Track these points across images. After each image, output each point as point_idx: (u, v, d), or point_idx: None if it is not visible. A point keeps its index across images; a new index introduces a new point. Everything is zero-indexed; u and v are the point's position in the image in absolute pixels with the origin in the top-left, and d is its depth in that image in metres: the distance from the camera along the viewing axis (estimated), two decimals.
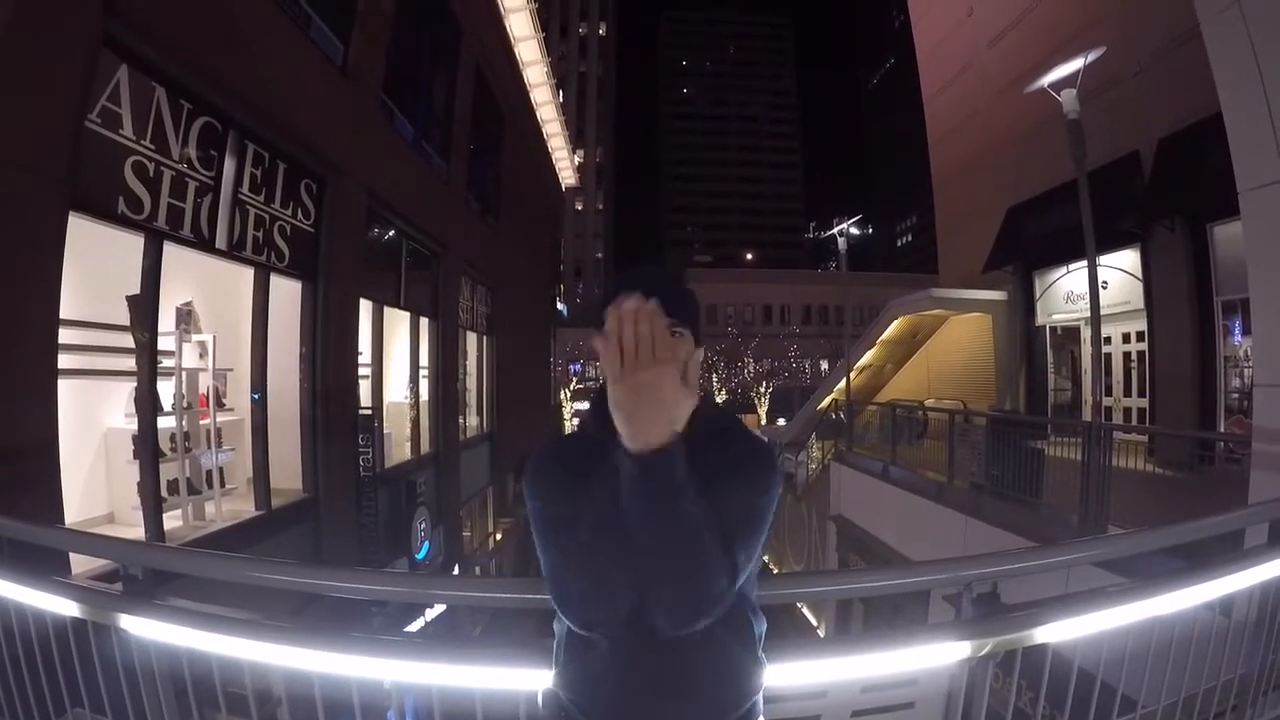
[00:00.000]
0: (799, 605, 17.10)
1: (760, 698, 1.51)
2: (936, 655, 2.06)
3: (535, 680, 1.85)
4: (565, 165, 32.78)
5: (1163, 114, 13.33)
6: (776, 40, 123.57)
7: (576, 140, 48.29)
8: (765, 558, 1.48)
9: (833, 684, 2.03)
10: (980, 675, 2.12)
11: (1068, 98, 9.79)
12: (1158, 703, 2.50)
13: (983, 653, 2.05)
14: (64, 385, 5.39)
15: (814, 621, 17.69)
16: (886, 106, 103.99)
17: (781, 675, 1.85)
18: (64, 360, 5.46)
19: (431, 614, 8.93)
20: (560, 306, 53.23)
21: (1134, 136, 14.10)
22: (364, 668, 2.06)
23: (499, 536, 19.15)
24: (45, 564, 2.96)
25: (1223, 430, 12.29)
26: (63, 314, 5.22)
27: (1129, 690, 2.45)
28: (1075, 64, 9.78)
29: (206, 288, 7.96)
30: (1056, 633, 2.15)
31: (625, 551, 1.27)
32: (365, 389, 10.92)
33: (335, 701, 2.14)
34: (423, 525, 11.56)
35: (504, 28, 19.32)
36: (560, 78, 36.81)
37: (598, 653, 1.41)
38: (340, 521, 9.33)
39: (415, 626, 8.52)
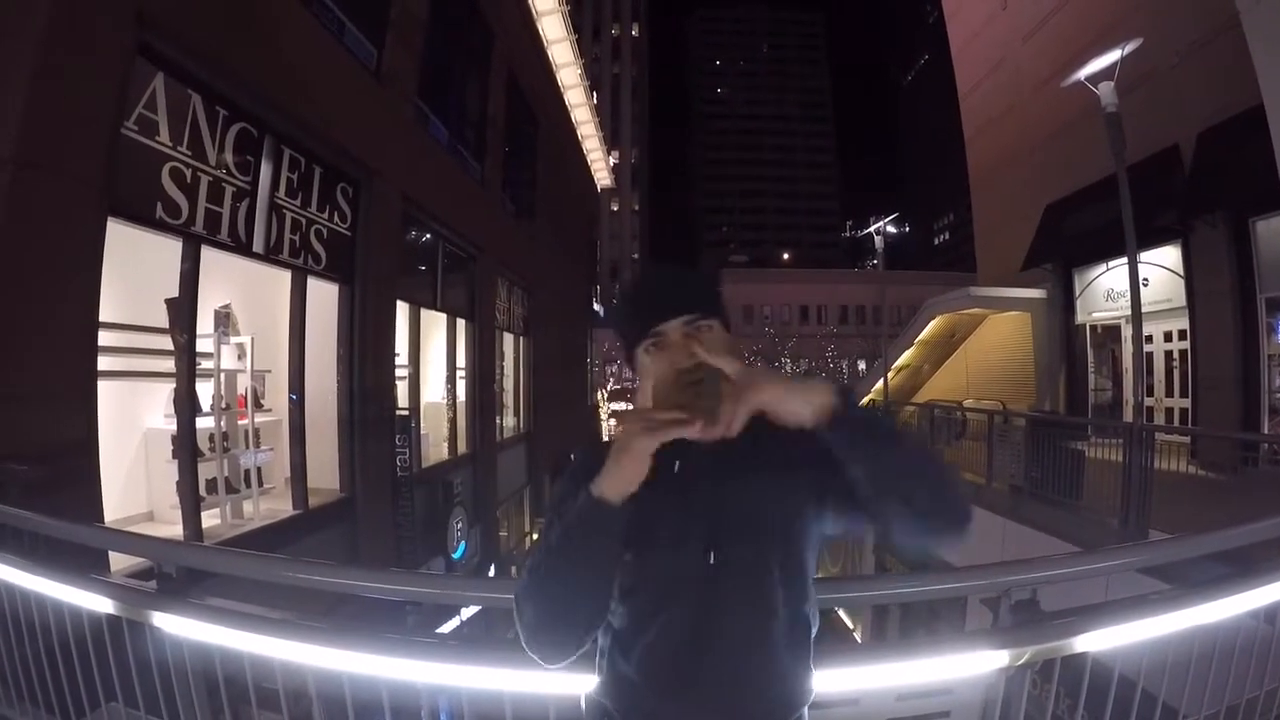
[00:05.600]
0: (835, 609, 16.92)
1: (807, 711, 1.48)
2: (973, 664, 2.01)
3: (567, 684, 1.84)
4: (600, 166, 32.84)
5: (1202, 106, 13.07)
6: (809, 37, 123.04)
7: (611, 141, 48.47)
8: None
9: (866, 692, 2.00)
10: (1018, 685, 2.07)
11: (1105, 91, 9.63)
12: (1199, 712, 2.44)
13: (1020, 662, 2.01)
14: (104, 386, 5.47)
15: (850, 625, 17.51)
16: (922, 103, 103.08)
17: (816, 681, 1.82)
18: (104, 362, 5.55)
19: (467, 614, 8.95)
20: (597, 307, 53.33)
21: (1173, 130, 13.82)
22: (396, 669, 2.06)
23: (535, 537, 19.19)
24: (85, 561, 3.01)
25: (1267, 431, 12.04)
26: (102, 317, 5.32)
27: (1170, 699, 2.39)
28: (1112, 56, 9.60)
29: (244, 290, 8.06)
30: (1097, 641, 2.10)
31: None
32: (402, 390, 11.00)
33: (367, 702, 2.14)
34: (459, 525, 11.62)
35: (537, 31, 19.40)
36: (593, 79, 36.88)
37: (643, 663, 1.40)
38: (377, 521, 9.40)
39: (450, 627, 8.54)
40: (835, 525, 1.47)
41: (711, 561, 1.37)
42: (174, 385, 6.74)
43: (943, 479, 1.33)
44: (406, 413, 10.40)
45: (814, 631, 1.49)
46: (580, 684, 1.62)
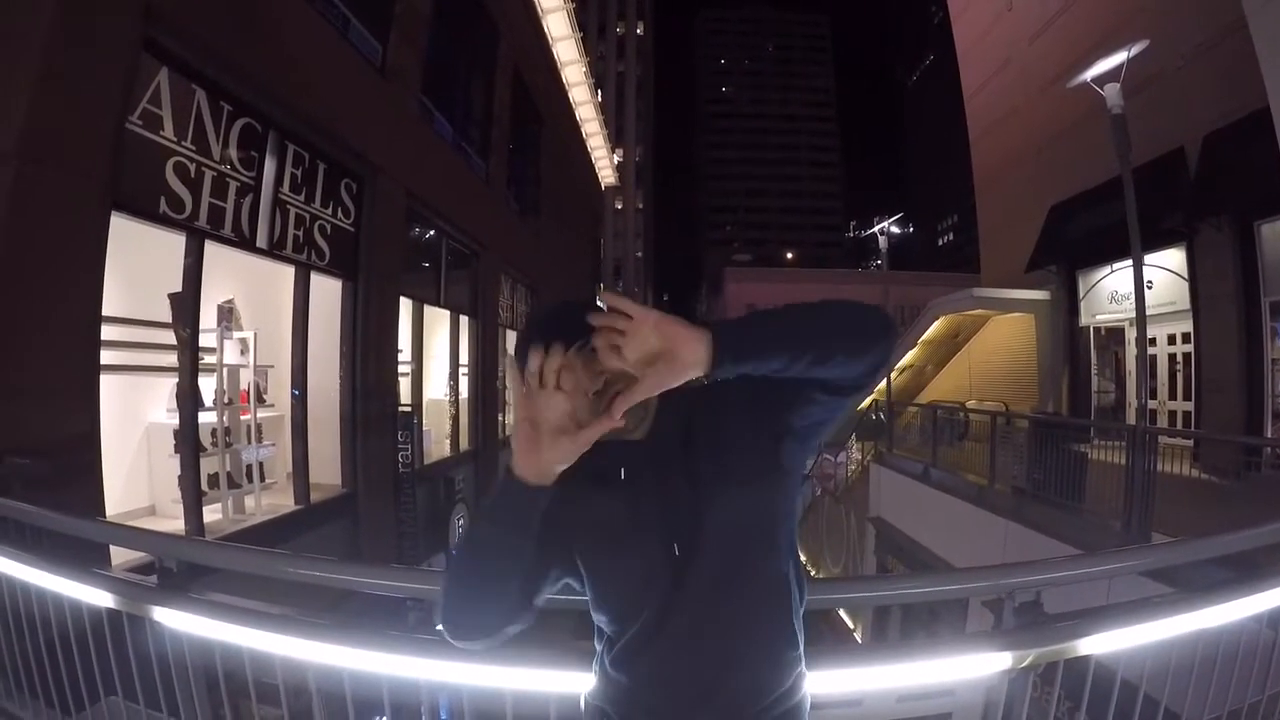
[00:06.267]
0: (836, 609, 16.95)
1: (806, 688, 1.49)
2: (975, 666, 2.01)
3: (567, 682, 1.84)
4: (604, 164, 32.83)
5: (1208, 109, 13.05)
6: (814, 38, 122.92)
7: (616, 139, 48.38)
8: (803, 557, 1.48)
9: (868, 693, 1.99)
10: (1020, 687, 2.06)
11: (1111, 92, 9.58)
12: (1202, 716, 2.43)
13: (1024, 664, 2.00)
14: (107, 380, 5.47)
15: (850, 625, 17.53)
16: (927, 104, 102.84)
17: (817, 682, 1.82)
18: (107, 356, 5.54)
19: None
20: (600, 305, 53.31)
21: (1178, 132, 13.79)
22: (397, 666, 2.06)
23: None
24: (86, 555, 3.01)
25: (1270, 435, 12.00)
26: (105, 311, 5.32)
27: (1173, 704, 2.38)
28: (1118, 58, 9.55)
29: (248, 286, 8.06)
30: (1100, 644, 2.09)
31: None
32: (405, 386, 11.01)
33: (367, 698, 2.14)
34: (461, 521, 11.63)
35: (542, 28, 19.38)
36: (598, 77, 36.87)
37: (638, 666, 1.41)
38: (379, 517, 9.41)
39: None
40: (817, 435, 1.48)
41: (676, 553, 1.38)
42: (176, 380, 6.73)
43: (848, 324, 1.30)
44: (409, 409, 10.41)
45: (798, 594, 1.48)
46: (581, 683, 1.62)
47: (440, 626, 1.38)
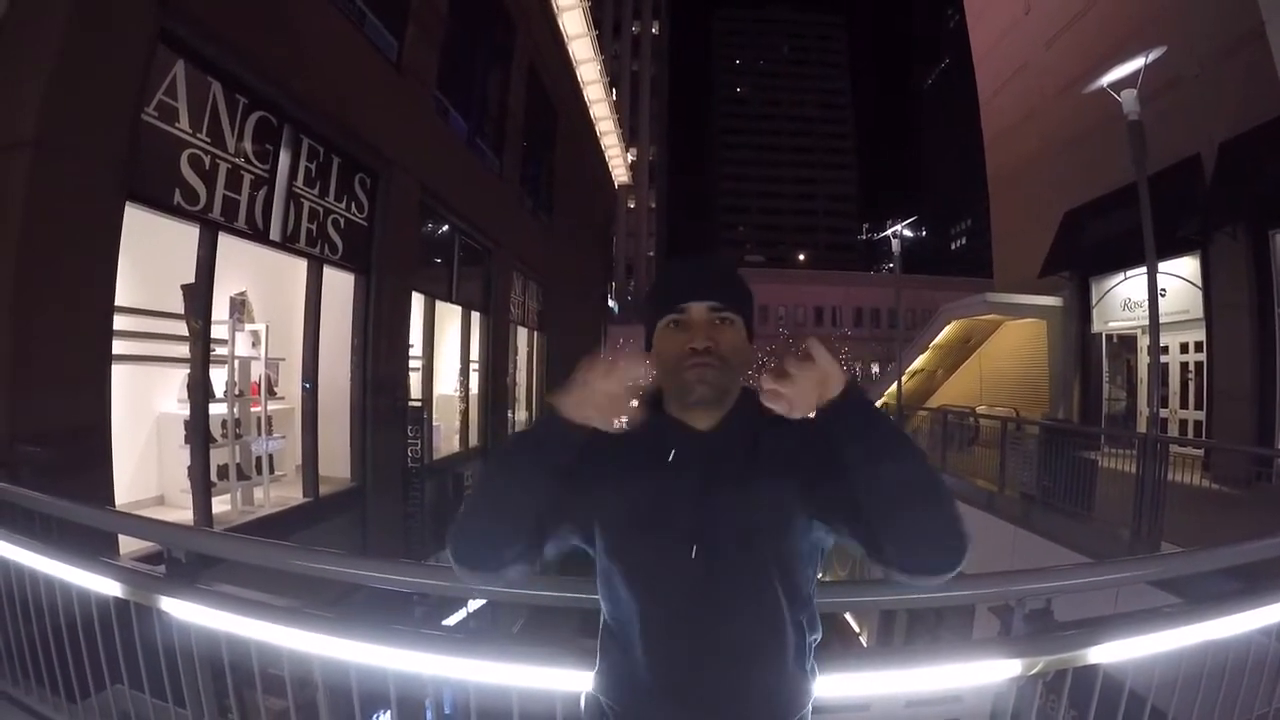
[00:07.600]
0: (843, 612, 16.80)
1: (809, 711, 1.45)
2: (984, 672, 1.99)
3: (573, 681, 1.83)
4: (618, 163, 32.80)
5: (1224, 116, 12.95)
6: (830, 40, 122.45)
7: (629, 138, 48.38)
8: None
9: (876, 697, 1.98)
10: (1028, 694, 2.05)
11: (1128, 98, 9.50)
12: None
13: (1033, 671, 1.98)
14: (118, 370, 5.50)
15: (856, 628, 17.48)
16: (942, 107, 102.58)
17: (824, 686, 1.81)
18: (119, 346, 5.58)
19: (473, 606, 8.98)
20: (611, 304, 53.40)
21: (1194, 140, 13.67)
22: (403, 661, 2.06)
23: None
24: (94, 544, 3.02)
25: None
26: (118, 301, 5.34)
27: (1180, 716, 2.36)
28: (1135, 64, 9.48)
29: (260, 278, 8.07)
30: (1110, 653, 2.06)
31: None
32: (415, 381, 11.02)
33: (372, 691, 2.14)
34: None
35: (557, 26, 19.36)
36: (613, 76, 36.87)
37: (638, 662, 1.38)
38: (386, 511, 9.43)
39: (456, 618, 8.56)
40: (828, 537, 1.45)
41: (694, 556, 1.35)
42: (188, 371, 6.77)
43: (941, 503, 1.29)
44: (419, 404, 10.44)
45: (814, 639, 1.46)
46: (585, 682, 1.61)
47: (449, 550, 1.39)
